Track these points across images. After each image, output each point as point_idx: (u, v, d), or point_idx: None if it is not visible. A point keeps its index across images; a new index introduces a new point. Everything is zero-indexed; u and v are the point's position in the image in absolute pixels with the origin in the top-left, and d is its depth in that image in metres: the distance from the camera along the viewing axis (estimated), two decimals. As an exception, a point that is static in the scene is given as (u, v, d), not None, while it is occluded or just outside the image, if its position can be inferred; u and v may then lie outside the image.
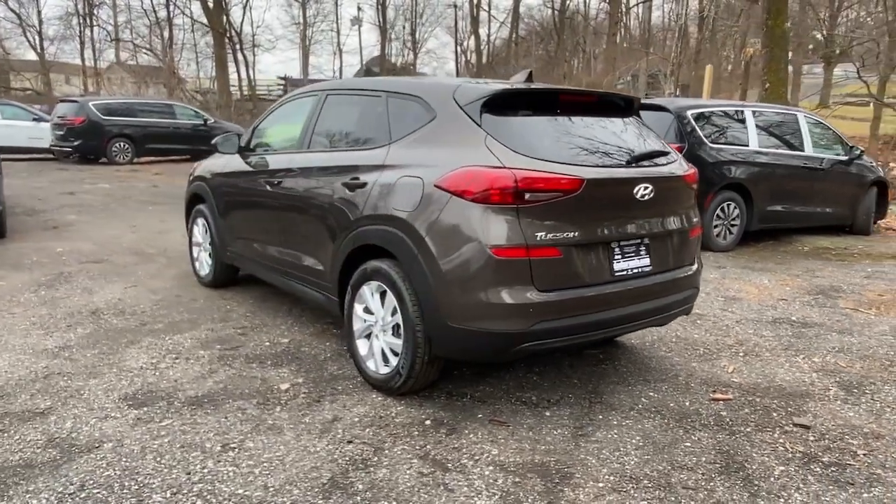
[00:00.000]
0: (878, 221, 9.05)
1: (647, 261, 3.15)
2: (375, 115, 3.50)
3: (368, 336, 3.37)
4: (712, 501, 2.46)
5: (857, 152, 8.33)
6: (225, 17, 35.04)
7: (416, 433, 2.90)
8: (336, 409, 3.11)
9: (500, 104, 2.99)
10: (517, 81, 3.44)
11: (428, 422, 3.01)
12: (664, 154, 3.29)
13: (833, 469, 2.72)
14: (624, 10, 41.12)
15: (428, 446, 2.79)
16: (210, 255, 5.08)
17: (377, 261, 3.21)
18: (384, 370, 3.23)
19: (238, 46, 38.24)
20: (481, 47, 45.22)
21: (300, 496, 2.41)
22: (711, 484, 2.57)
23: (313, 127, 3.91)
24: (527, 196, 2.73)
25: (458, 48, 51.38)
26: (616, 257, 3.02)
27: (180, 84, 37.42)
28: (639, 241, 3.11)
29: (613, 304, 3.00)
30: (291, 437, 2.84)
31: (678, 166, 3.32)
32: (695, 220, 3.44)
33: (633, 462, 2.71)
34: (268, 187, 4.13)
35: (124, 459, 2.63)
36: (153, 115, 16.14)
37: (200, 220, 5.15)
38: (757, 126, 7.55)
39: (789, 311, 5.00)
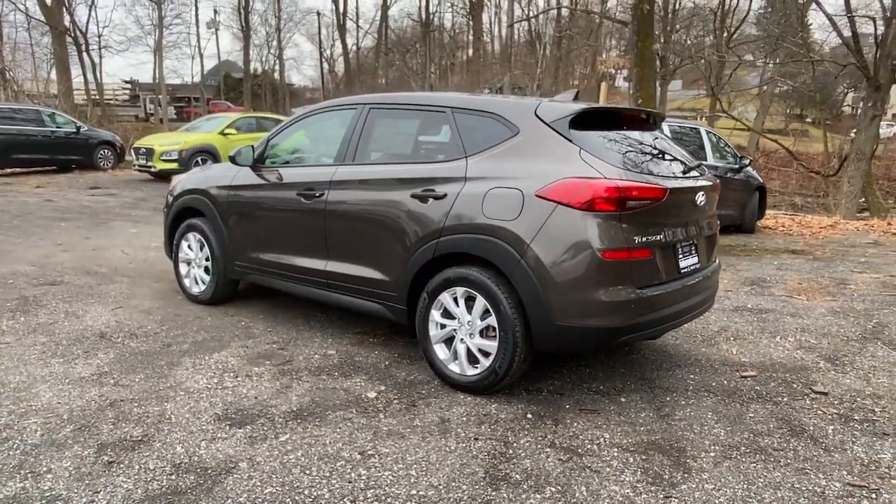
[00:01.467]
0: (758, 221, 10.44)
1: (696, 258, 3.60)
2: (441, 129, 3.66)
3: (448, 341, 3.52)
4: (802, 458, 2.92)
5: (746, 162, 9.59)
6: (68, 16, 32.22)
7: (528, 426, 3.12)
8: (437, 412, 3.24)
9: (583, 121, 3.30)
10: (565, 100, 3.75)
11: (529, 415, 3.23)
12: (700, 165, 3.78)
13: (866, 424, 3.30)
14: (487, 28, 43.03)
15: (549, 436, 3.02)
16: (208, 270, 4.89)
17: (462, 268, 3.38)
18: (472, 371, 3.40)
19: (84, 48, 35.28)
20: (349, 56, 45.05)
21: (470, 490, 2.55)
22: (792, 444, 3.04)
23: (357, 140, 3.97)
24: (627, 203, 3.05)
25: (322, 56, 50.89)
26: (680, 256, 3.44)
27: (14, 87, 33.71)
28: (692, 241, 3.55)
29: (683, 297, 3.41)
30: (418, 440, 2.94)
31: (711, 177, 3.82)
32: (717, 222, 3.95)
33: (722, 433, 3.12)
34: (303, 200, 4.11)
35: (274, 476, 2.60)
36: (17, 121, 14.58)
37: (193, 236, 4.95)
38: (672, 137, 8.47)
39: (742, 301, 5.75)
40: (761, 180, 10.29)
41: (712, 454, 2.92)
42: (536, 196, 3.13)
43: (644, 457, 2.87)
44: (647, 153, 3.47)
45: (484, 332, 3.37)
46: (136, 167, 13.80)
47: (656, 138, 3.71)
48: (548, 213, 3.09)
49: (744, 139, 32.08)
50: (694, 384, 3.73)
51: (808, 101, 39.50)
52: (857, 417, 3.37)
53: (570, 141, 3.21)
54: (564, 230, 3.06)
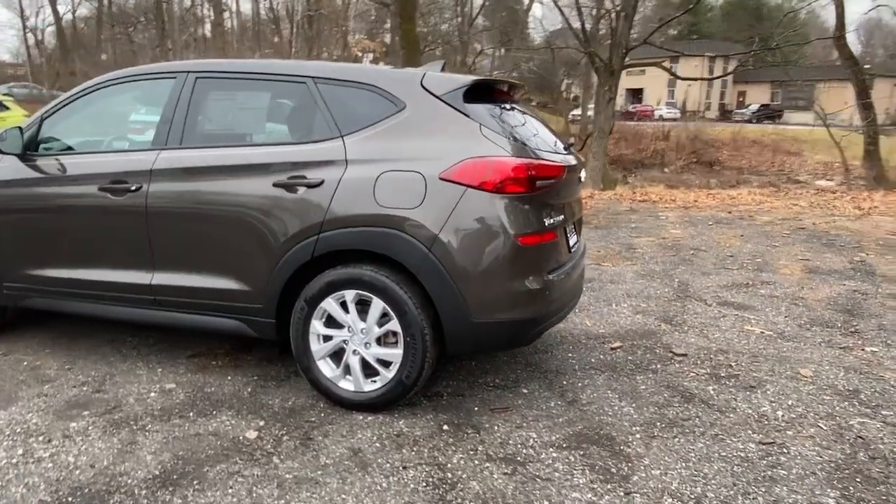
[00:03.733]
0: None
1: (576, 237, 3.53)
2: (301, 104, 3.07)
3: (336, 354, 2.98)
4: (708, 424, 2.99)
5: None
6: None
7: (451, 440, 2.76)
8: (342, 442, 2.72)
9: (473, 94, 2.97)
10: (434, 72, 3.39)
11: (445, 426, 2.88)
12: (570, 144, 3.70)
13: (732, 379, 3.54)
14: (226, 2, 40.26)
15: (479, 448, 2.70)
16: (-41, 298, 3.61)
17: (350, 267, 2.87)
18: (371, 387, 2.93)
19: None
20: (62, 27, 38.71)
21: (432, 535, 2.14)
22: (692, 411, 3.12)
23: (184, 118, 3.16)
24: (537, 184, 2.82)
25: (26, 27, 43.24)
26: (568, 235, 3.32)
27: None
28: (573, 220, 3.46)
29: (577, 277, 3.31)
30: (339, 483, 2.41)
31: (577, 155, 3.77)
32: (582, 202, 3.94)
33: (632, 411, 3.09)
34: (110, 196, 3.19)
35: (174, 577, 1.90)
36: None
37: (-72, 253, 3.60)
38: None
39: (565, 273, 5.98)
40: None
41: (638, 436, 2.85)
42: (441, 179, 2.74)
43: (581, 451, 2.70)
44: (529, 130, 3.27)
45: (382, 340, 2.91)
46: None
47: (527, 114, 3.54)
48: (456, 199, 2.73)
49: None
50: (577, 363, 3.69)
51: (535, 85, 44.06)
52: (723, 374, 3.60)
53: (468, 116, 2.87)
54: (477, 216, 2.73)
